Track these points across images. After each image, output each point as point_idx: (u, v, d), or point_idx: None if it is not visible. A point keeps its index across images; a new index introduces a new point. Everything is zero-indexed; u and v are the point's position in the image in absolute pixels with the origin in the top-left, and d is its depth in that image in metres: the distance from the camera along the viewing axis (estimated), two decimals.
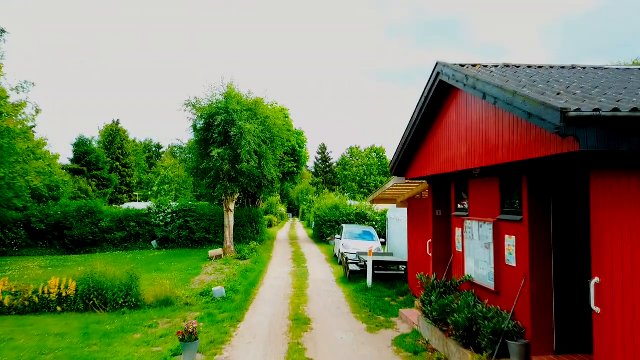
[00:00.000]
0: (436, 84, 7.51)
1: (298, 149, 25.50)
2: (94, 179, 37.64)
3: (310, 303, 11.10)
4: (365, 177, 62.59)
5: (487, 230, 6.92)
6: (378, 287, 12.53)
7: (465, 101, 6.83)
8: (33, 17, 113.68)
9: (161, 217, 24.37)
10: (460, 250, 8.06)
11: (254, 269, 16.32)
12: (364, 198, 31.40)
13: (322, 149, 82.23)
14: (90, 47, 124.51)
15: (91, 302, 11.17)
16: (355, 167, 63.56)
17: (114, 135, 45.27)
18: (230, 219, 20.48)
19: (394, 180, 10.18)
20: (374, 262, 12.93)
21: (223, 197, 20.23)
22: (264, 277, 15.02)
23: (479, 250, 7.26)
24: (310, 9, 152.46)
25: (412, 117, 8.80)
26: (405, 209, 13.30)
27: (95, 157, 39.28)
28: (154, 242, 24.18)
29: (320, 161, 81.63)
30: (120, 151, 45.55)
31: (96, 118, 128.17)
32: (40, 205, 24.43)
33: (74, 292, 11.23)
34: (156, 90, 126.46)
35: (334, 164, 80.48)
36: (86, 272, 11.56)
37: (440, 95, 7.74)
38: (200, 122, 19.95)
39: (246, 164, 18.39)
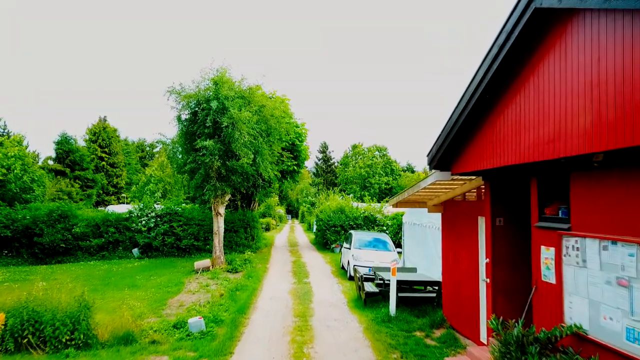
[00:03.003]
0: (525, 18, 4.71)
1: (297, 143, 22.56)
2: (77, 180, 34.68)
3: (318, 341, 8.28)
4: (369, 177, 59.53)
5: (624, 255, 4.12)
6: (404, 315, 9.72)
7: (591, 38, 4.03)
8: (31, 17, 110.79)
9: (144, 222, 21.50)
10: (553, 282, 5.26)
11: (246, 287, 13.49)
12: (372, 199, 28.52)
13: (324, 148, 79.27)
14: (89, 47, 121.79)
15: (25, 340, 8.34)
16: (359, 167, 60.36)
17: (99, 133, 42.12)
18: (219, 225, 17.64)
19: (434, 177, 7.39)
20: (398, 282, 10.12)
21: (211, 199, 17.40)
22: (258, 298, 12.20)
23: (599, 287, 4.47)
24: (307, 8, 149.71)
25: (470, 84, 6.01)
26: (434, 214, 10.49)
27: (79, 156, 36.25)
28: (135, 250, 21.31)
29: (322, 161, 78.61)
30: (107, 150, 42.44)
31: (94, 120, 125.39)
32: (6, 208, 21.58)
33: (2, 326, 8.40)
34: (157, 89, 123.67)
35: (335, 164, 77.55)
36: (20, 300, 8.74)
37: (527, 40, 4.95)
38: (186, 112, 17.16)
39: (244, 158, 15.57)
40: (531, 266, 5.87)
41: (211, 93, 16.22)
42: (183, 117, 17.27)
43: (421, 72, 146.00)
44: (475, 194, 8.53)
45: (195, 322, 8.87)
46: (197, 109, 16.39)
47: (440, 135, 7.02)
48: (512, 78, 5.39)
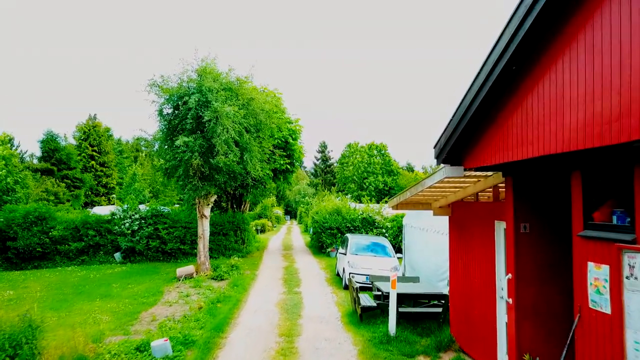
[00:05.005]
0: None
1: (291, 141, 21.14)
2: (64, 180, 33.26)
3: None
4: (366, 175, 57.97)
5: None
6: (405, 335, 8.38)
7: None
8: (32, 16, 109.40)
9: (127, 224, 20.13)
10: (607, 312, 3.92)
11: (229, 298, 12.14)
12: (370, 200, 27.16)
13: (323, 148, 77.91)
14: (91, 47, 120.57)
15: None
16: (352, 165, 58.69)
17: (89, 132, 40.62)
18: (204, 228, 16.30)
19: (442, 173, 6.05)
20: (399, 295, 8.77)
21: (195, 200, 16.06)
22: (241, 311, 10.85)
23: None
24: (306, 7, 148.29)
25: (491, 55, 4.68)
26: (434, 216, 9.06)
27: (66, 154, 34.79)
28: (117, 255, 19.95)
29: (320, 161, 77.24)
30: (96, 148, 40.93)
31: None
32: None
33: None
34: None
35: (334, 164, 76.18)
36: None
37: None
38: (167, 106, 15.83)
39: (223, 157, 14.23)
40: (572, 287, 4.54)
41: (194, 85, 14.92)
42: (165, 111, 15.98)
43: (421, 72, 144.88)
44: (490, 193, 7.22)
45: (160, 346, 7.52)
46: (179, 102, 15.08)
47: (450, 122, 5.68)
48: (550, 39, 4.06)
